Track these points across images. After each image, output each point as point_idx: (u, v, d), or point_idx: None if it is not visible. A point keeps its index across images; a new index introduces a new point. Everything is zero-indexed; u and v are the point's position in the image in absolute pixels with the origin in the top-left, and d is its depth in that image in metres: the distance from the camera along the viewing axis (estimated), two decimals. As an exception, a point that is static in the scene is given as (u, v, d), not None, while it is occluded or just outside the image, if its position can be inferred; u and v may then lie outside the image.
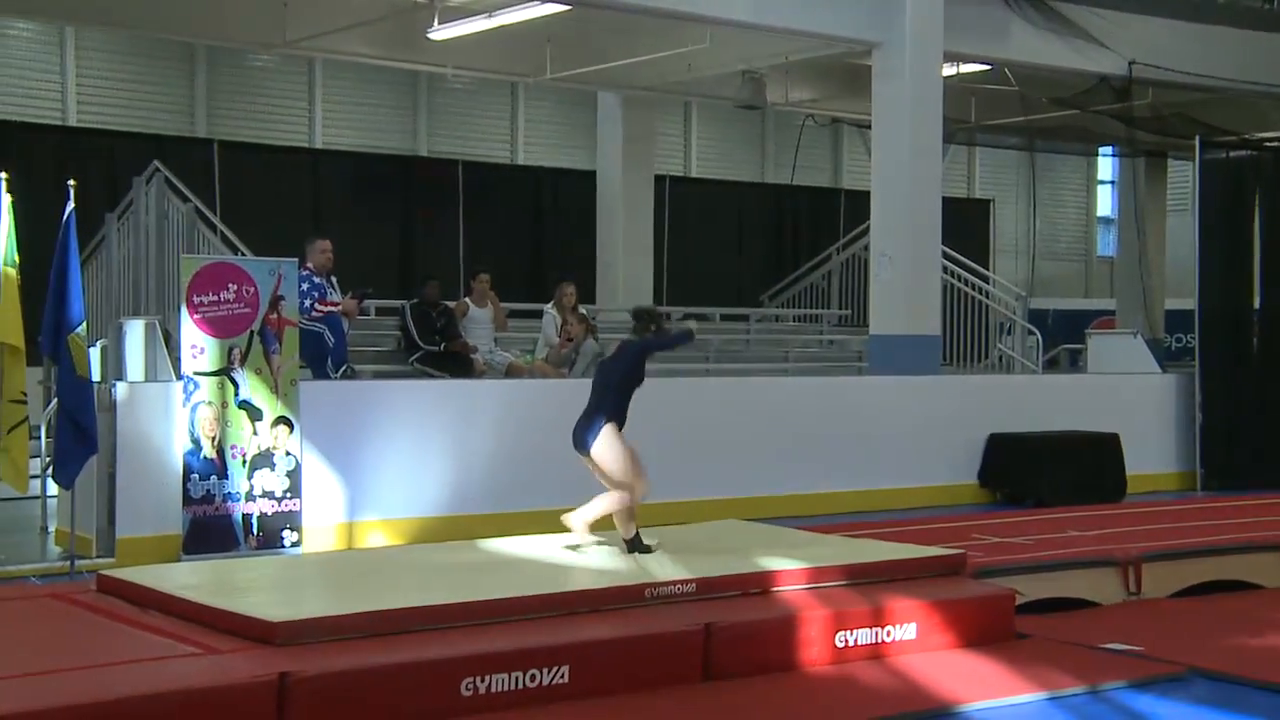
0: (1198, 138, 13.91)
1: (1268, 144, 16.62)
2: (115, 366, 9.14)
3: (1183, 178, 20.74)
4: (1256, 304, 13.96)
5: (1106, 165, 24.90)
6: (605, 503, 7.32)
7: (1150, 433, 13.24)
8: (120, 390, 8.67)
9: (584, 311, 12.63)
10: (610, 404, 7.29)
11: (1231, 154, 14.43)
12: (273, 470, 8.82)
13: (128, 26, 14.52)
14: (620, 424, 7.29)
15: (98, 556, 8.45)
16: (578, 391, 10.78)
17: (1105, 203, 25.84)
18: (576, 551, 7.25)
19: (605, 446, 7.21)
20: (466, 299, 12.33)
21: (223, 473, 8.66)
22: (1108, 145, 19.11)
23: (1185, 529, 9.00)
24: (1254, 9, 16.45)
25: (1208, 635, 7.03)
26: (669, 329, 7.38)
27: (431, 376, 11.30)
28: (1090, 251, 25.81)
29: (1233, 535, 8.67)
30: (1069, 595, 7.56)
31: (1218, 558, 8.19)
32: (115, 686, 4.86)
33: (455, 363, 11.63)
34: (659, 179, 16.65)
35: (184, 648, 5.41)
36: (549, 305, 12.66)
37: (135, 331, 9.18)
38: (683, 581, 6.48)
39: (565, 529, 7.44)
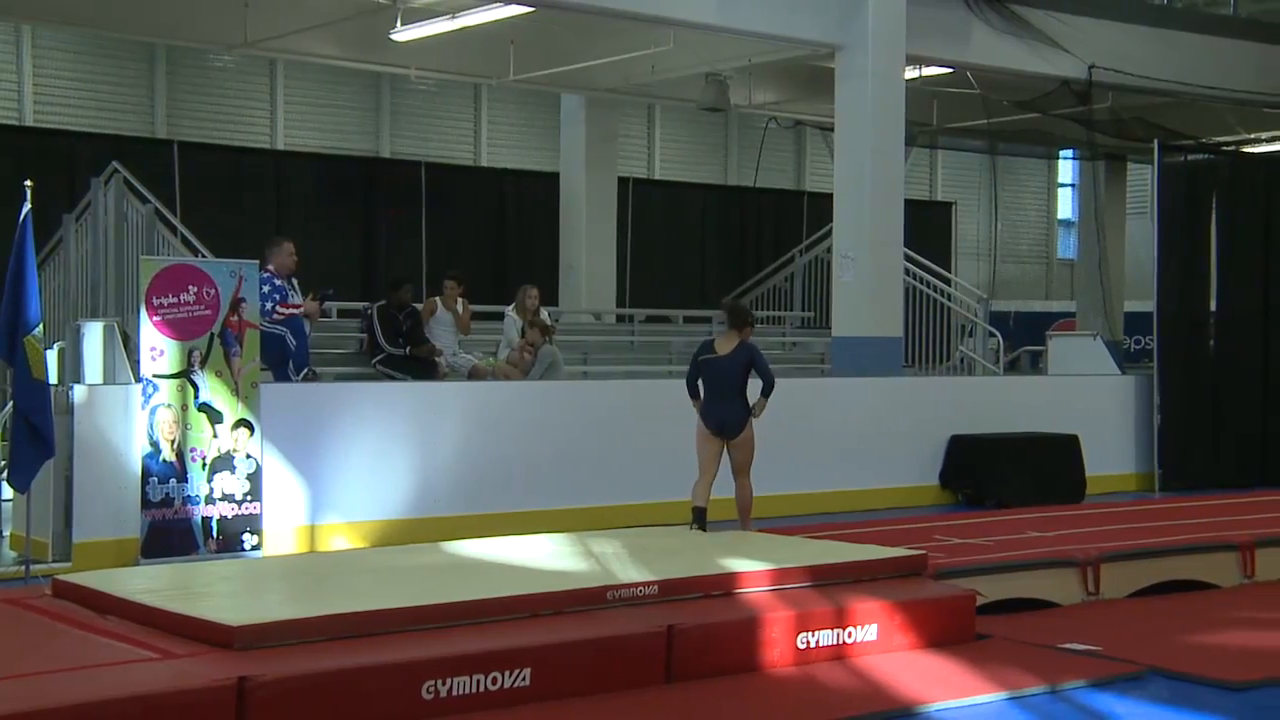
0: (1156, 141, 14.05)
1: (1224, 148, 16.84)
2: (73, 369, 9.05)
3: (1141, 181, 20.94)
4: (1213, 306, 14.11)
5: (1067, 168, 25.11)
6: (748, 492, 8.80)
7: (1109, 434, 13.35)
8: (78, 393, 8.60)
9: (545, 315, 12.61)
10: (744, 398, 8.64)
11: (1189, 158, 14.58)
12: (233, 473, 8.76)
13: (86, 25, 14.39)
14: None
15: (53, 561, 8.37)
16: (540, 394, 10.87)
17: (1066, 206, 26.05)
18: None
19: (751, 432, 8.68)
20: (436, 299, 12.29)
21: (182, 476, 8.60)
22: (1068, 148, 19.27)
23: (1143, 529, 9.08)
24: (1212, 15, 16.63)
25: (1165, 634, 7.10)
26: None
27: (394, 379, 11.26)
28: (1051, 254, 26.00)
29: (1189, 535, 8.76)
30: (1029, 596, 7.62)
31: (1174, 558, 8.27)
32: (70, 692, 4.81)
33: (418, 365, 11.59)
34: (622, 181, 16.65)
35: (141, 652, 5.36)
36: (510, 308, 12.65)
37: (93, 333, 9.09)
38: (645, 584, 6.48)
39: (528, 531, 7.48)
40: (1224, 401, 13.85)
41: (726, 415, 8.65)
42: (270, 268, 10.39)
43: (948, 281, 15.37)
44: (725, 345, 8.69)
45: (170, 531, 8.54)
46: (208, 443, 8.69)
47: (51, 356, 8.72)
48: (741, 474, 8.80)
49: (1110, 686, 6.11)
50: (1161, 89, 14.84)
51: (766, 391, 8.63)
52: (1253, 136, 17.95)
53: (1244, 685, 6.11)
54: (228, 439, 8.75)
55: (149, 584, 6.54)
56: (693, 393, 8.88)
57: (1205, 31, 15.42)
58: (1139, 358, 18.58)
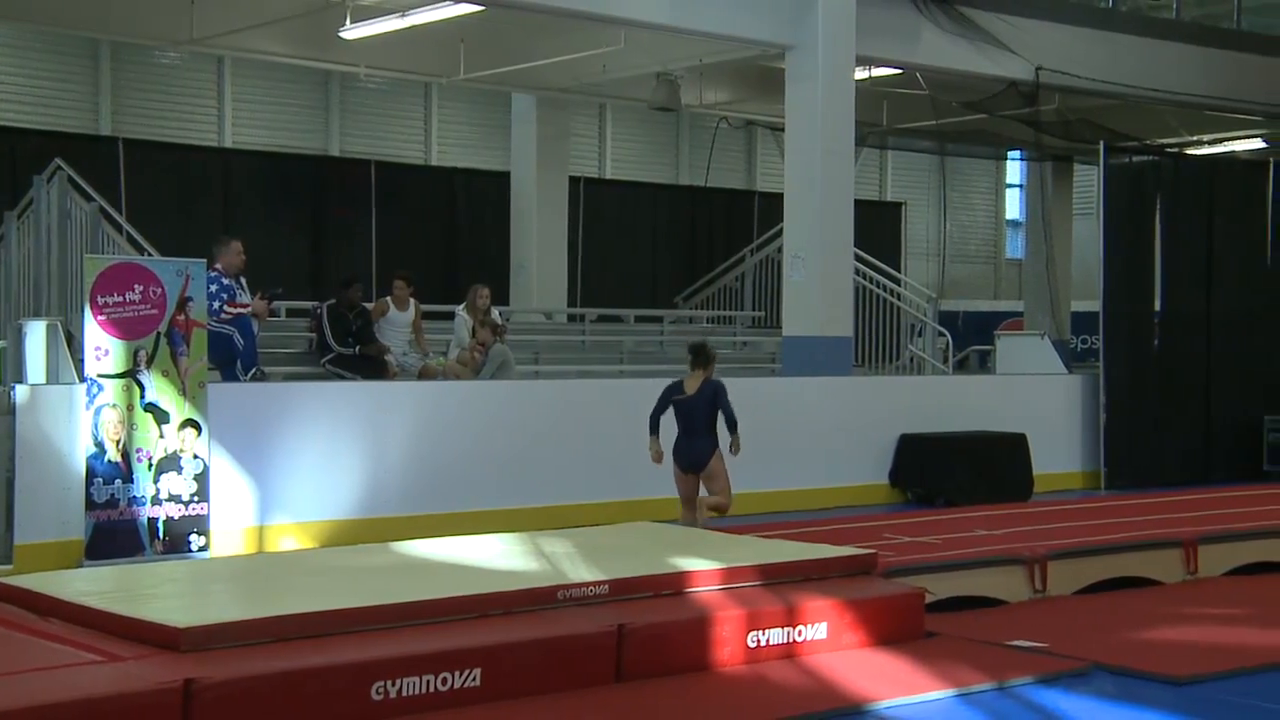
0: (1102, 143, 14.21)
1: (1168, 150, 17.06)
2: (15, 369, 8.94)
3: (1088, 182, 21.13)
4: (1157, 306, 14.30)
5: (1015, 169, 25.31)
6: (716, 502, 9.02)
7: (1057, 433, 13.49)
8: (20, 393, 8.48)
9: (496, 315, 12.58)
10: (713, 434, 9.00)
11: (1134, 159, 14.76)
12: (180, 474, 8.67)
13: (29, 20, 14.17)
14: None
15: (-5, 563, 8.26)
16: (489, 394, 10.84)
17: (1014, 206, 26.25)
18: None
19: (718, 464, 9.00)
20: (387, 299, 12.23)
21: (128, 476, 8.50)
22: (1016, 149, 19.45)
23: (1089, 527, 9.17)
24: (1155, 19, 16.84)
25: (1110, 631, 7.18)
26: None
27: (343, 378, 11.19)
28: (999, 254, 26.22)
29: (1133, 533, 8.86)
30: (977, 593, 7.68)
31: (1119, 555, 8.37)
32: (13, 696, 4.73)
33: (368, 365, 11.53)
34: (573, 180, 16.64)
35: (85, 655, 5.29)
36: (461, 307, 12.60)
37: (36, 333, 8.98)
38: (595, 583, 6.47)
39: (478, 531, 7.47)
40: (1168, 400, 14.03)
41: (696, 451, 9.01)
42: (218, 266, 10.30)
43: (897, 281, 15.48)
44: (692, 384, 9.08)
45: (115, 533, 8.44)
46: (154, 443, 8.60)
47: (-7, 356, 8.61)
48: (720, 500, 9.10)
49: (1056, 683, 6.18)
50: (1107, 91, 15.02)
51: (731, 428, 8.99)
52: (1195, 139, 18.22)
53: (1187, 680, 6.20)
54: (174, 439, 8.67)
55: (93, 586, 6.45)
56: (652, 428, 9.07)
57: (1149, 35, 15.63)
58: (1085, 357, 18.78)
